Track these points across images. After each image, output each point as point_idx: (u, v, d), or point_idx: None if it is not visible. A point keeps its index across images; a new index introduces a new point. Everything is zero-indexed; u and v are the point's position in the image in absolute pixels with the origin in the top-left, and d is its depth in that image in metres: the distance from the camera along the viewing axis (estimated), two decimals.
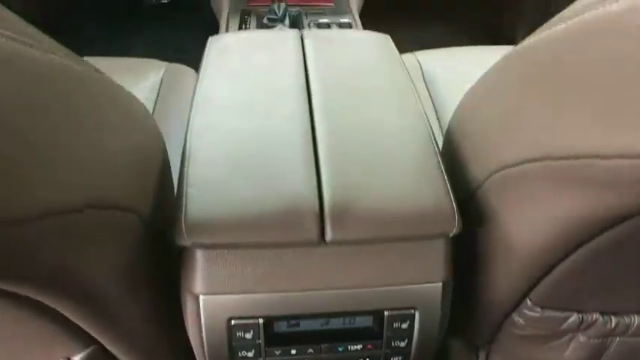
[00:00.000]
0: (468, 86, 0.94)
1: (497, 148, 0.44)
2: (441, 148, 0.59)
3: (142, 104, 0.46)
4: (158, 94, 0.92)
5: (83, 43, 1.68)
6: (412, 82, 0.60)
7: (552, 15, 0.38)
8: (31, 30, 0.29)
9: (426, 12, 1.75)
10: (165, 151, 0.51)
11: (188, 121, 0.52)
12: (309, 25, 1.05)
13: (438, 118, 0.92)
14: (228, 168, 0.46)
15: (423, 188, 0.45)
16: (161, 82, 0.94)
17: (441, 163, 0.48)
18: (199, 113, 0.52)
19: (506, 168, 0.41)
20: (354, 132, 0.50)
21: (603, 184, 0.32)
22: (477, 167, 0.47)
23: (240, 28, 1.04)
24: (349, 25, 1.05)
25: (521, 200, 0.42)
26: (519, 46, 0.41)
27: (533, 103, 0.38)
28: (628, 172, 0.29)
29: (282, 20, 1.03)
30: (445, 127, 0.92)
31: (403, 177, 0.46)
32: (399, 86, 0.58)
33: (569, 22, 0.33)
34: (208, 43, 0.68)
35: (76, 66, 0.32)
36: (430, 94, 0.96)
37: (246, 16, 1.08)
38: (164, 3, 1.73)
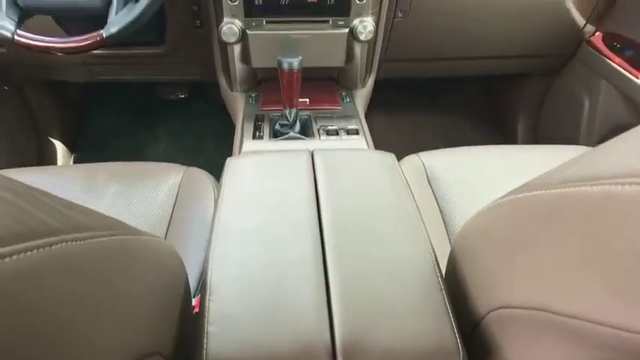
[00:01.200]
0: (469, 185, 0.99)
1: (500, 286, 0.47)
2: (445, 266, 0.62)
3: (170, 248, 0.51)
4: (177, 197, 0.98)
5: (111, 134, 1.79)
6: (417, 207, 0.64)
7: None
8: (64, 206, 0.34)
9: (427, 105, 1.84)
10: (187, 286, 0.55)
11: (208, 250, 0.56)
12: (318, 131, 1.11)
13: (443, 220, 0.96)
14: (246, 305, 0.49)
15: (429, 326, 0.48)
16: (179, 186, 0.99)
17: (445, 297, 0.51)
18: (219, 244, 0.56)
19: (508, 308, 0.44)
20: (363, 266, 0.54)
21: (599, 346, 0.35)
22: (480, 300, 0.50)
23: (254, 134, 1.10)
24: (356, 132, 1.11)
25: (521, 338, 0.44)
26: (522, 194, 0.45)
27: (538, 254, 0.41)
28: (621, 342, 0.32)
29: (292, 126, 1.10)
30: (450, 227, 0.96)
31: (409, 314, 0.49)
32: (405, 214, 0.62)
33: (557, 192, 0.37)
34: (226, 165, 0.73)
35: (110, 237, 0.36)
36: (435, 195, 1.00)
37: (259, 122, 1.15)
38: (183, 97, 1.85)
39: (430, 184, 1.02)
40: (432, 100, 1.85)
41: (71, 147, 1.78)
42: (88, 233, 0.32)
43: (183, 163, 1.05)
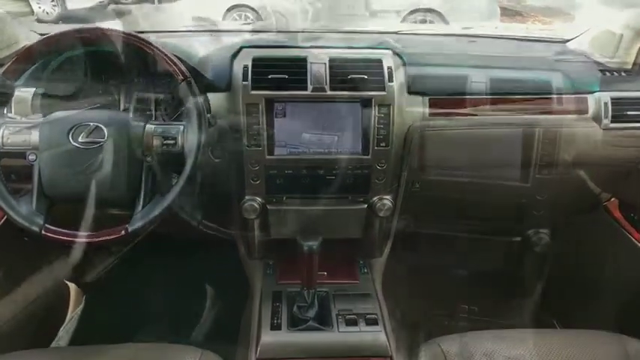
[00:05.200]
0: None
1: None
2: None
3: None
4: None
5: (123, 274, 1.79)
6: None
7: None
8: None
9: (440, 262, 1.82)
10: None
11: None
12: (337, 318, 1.08)
13: None
14: None
15: None
16: None
17: None
18: None
19: None
20: None
21: None
22: None
23: (272, 322, 1.08)
24: (375, 322, 1.08)
25: None
26: None
27: None
28: None
29: (310, 307, 1.08)
30: None
31: None
32: None
33: None
34: None
35: None
36: None
37: (277, 303, 1.13)
38: (196, 241, 1.86)
39: None
40: (446, 256, 1.84)
41: (83, 288, 1.79)
42: None
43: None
